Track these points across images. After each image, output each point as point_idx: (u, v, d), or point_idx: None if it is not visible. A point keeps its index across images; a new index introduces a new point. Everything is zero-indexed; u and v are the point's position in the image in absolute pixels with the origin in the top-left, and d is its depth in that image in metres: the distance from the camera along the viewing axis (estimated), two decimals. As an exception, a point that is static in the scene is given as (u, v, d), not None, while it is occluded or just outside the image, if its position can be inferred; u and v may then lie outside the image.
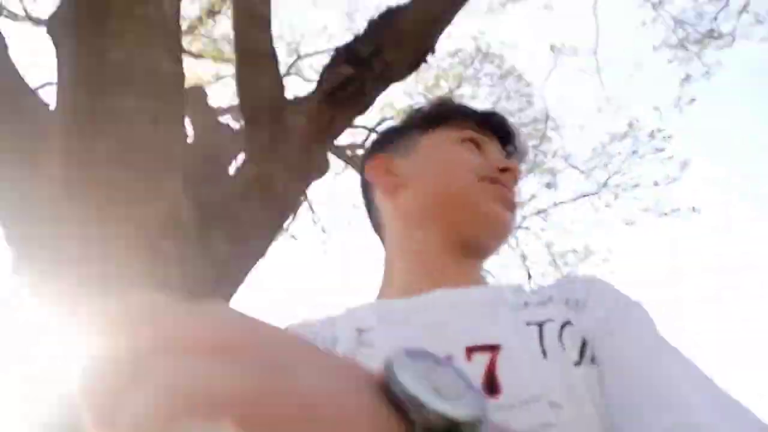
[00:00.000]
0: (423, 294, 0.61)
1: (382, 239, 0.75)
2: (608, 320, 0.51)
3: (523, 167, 0.79)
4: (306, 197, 5.58)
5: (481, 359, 0.49)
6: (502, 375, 0.47)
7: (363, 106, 2.71)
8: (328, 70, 2.59)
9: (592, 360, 0.49)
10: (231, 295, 2.30)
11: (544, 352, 0.50)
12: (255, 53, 2.61)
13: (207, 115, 3.93)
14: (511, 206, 0.69)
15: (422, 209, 0.70)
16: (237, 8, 2.64)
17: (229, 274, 2.29)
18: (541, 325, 0.52)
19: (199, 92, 4.06)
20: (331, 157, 3.40)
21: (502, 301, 0.58)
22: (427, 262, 0.66)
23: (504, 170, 0.69)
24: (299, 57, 6.76)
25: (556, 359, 0.49)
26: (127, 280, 1.72)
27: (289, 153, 2.47)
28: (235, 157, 3.38)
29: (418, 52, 2.66)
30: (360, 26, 2.65)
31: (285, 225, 4.50)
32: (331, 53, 2.65)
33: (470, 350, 0.50)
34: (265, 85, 2.57)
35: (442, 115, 0.76)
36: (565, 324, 0.52)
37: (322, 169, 2.78)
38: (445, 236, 0.67)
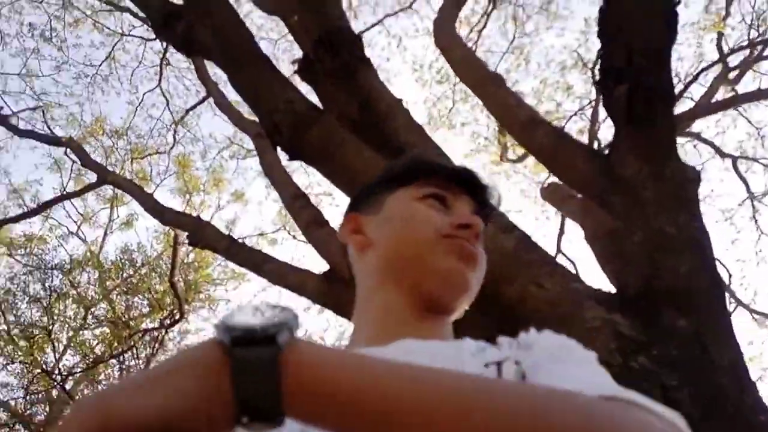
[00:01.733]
0: (389, 343, 0.61)
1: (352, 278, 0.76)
2: (548, 350, 0.55)
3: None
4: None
5: None
6: None
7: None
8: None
9: None
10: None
11: None
12: None
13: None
14: (469, 260, 0.66)
15: (385, 269, 0.69)
16: None
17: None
18: (499, 364, 0.55)
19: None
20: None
21: (465, 350, 0.59)
22: (392, 318, 0.66)
23: (464, 226, 0.67)
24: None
25: None
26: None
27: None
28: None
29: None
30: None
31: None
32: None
33: None
34: None
35: (409, 172, 0.75)
36: (517, 362, 0.55)
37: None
38: (407, 295, 0.66)
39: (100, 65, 7.36)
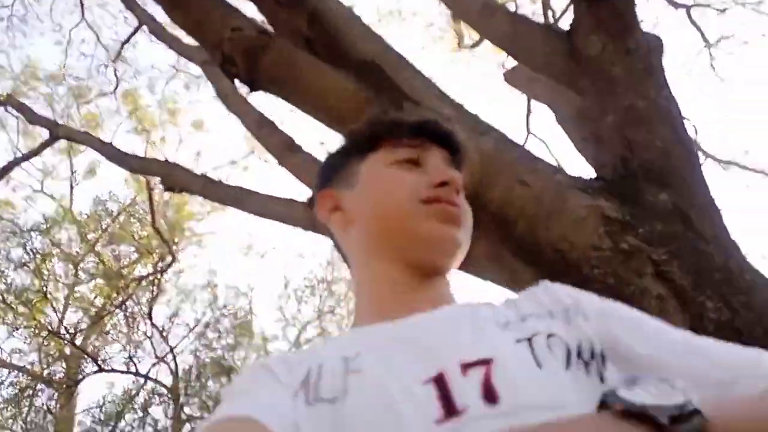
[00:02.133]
0: (399, 320, 0.60)
1: (345, 260, 0.74)
2: (601, 312, 0.58)
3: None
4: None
5: (477, 372, 0.50)
6: (498, 384, 0.48)
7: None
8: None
9: (586, 364, 0.52)
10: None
11: (538, 363, 0.51)
12: None
13: None
14: (453, 220, 0.64)
15: (370, 243, 0.68)
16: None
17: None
18: (529, 340, 0.54)
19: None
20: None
21: (483, 319, 0.58)
22: (392, 289, 0.65)
23: (442, 184, 0.65)
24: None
25: (550, 367, 0.51)
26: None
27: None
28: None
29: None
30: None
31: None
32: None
33: (465, 366, 0.50)
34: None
35: (375, 136, 0.71)
36: (550, 335, 0.54)
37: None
38: (398, 265, 0.65)
39: (12, 4, 6.78)
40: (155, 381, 12.74)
